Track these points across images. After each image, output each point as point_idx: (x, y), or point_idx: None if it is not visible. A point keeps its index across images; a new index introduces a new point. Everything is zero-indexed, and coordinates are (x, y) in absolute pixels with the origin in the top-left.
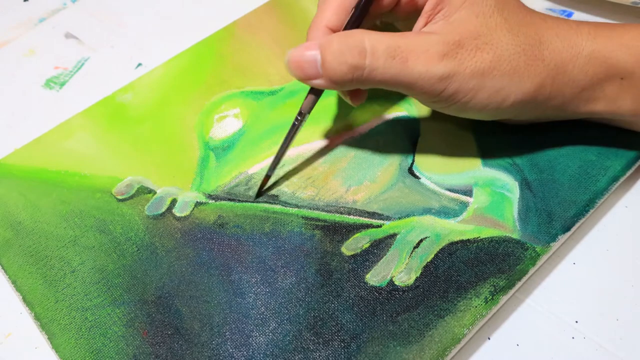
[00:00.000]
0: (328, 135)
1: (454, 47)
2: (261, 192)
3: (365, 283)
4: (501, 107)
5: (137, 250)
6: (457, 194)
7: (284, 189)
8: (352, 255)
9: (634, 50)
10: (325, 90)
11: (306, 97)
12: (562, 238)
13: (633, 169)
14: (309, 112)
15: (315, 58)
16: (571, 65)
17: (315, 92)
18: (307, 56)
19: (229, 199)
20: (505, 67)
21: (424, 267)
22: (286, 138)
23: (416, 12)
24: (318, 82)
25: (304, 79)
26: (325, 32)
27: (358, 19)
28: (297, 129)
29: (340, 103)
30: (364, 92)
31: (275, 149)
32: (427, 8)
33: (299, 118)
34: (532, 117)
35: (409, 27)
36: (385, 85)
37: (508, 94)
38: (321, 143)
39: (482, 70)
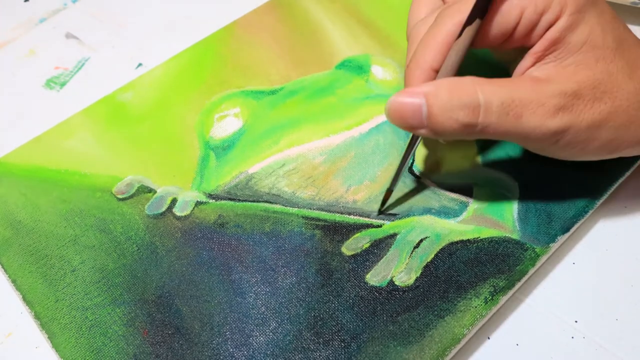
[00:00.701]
0: (328, 134)
1: (570, 98)
2: (383, 208)
3: (366, 283)
4: (612, 154)
5: (138, 250)
6: (457, 194)
7: (284, 189)
8: (352, 255)
9: None
10: (325, 90)
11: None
12: (561, 239)
13: (632, 169)
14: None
15: (421, 108)
16: None
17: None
18: (411, 105)
19: (230, 199)
20: (622, 118)
21: (424, 267)
22: (403, 158)
23: (525, 49)
24: (421, 132)
25: (405, 129)
26: (429, 74)
27: (458, 56)
28: (413, 148)
29: (340, 103)
30: None
31: (276, 148)
32: (537, 48)
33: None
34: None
35: (510, 60)
36: (493, 137)
37: (620, 143)
38: (321, 143)
39: (599, 123)
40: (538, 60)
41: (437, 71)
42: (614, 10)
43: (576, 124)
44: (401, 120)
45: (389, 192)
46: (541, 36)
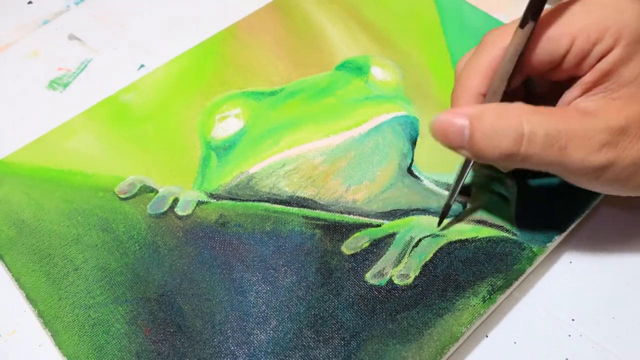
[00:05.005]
0: (328, 135)
1: (617, 134)
2: (440, 226)
3: (365, 282)
4: None
5: (140, 249)
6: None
7: (285, 189)
8: (352, 254)
9: None
10: (325, 91)
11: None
12: (558, 238)
13: None
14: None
15: (463, 129)
16: None
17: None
18: (455, 125)
19: (231, 198)
20: None
21: (422, 266)
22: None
23: (573, 79)
24: (463, 152)
25: (447, 147)
26: (476, 97)
27: (502, 82)
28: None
29: (340, 103)
30: None
31: (276, 148)
32: (587, 79)
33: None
34: None
35: (555, 90)
36: (534, 167)
37: None
38: (321, 143)
39: None
40: (587, 91)
41: (483, 95)
42: None
43: (620, 160)
44: (443, 138)
45: (446, 207)
46: (592, 66)
